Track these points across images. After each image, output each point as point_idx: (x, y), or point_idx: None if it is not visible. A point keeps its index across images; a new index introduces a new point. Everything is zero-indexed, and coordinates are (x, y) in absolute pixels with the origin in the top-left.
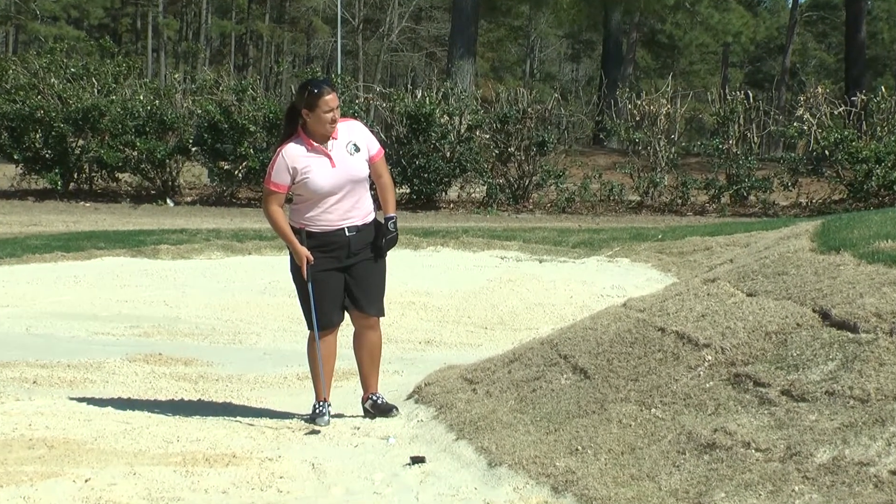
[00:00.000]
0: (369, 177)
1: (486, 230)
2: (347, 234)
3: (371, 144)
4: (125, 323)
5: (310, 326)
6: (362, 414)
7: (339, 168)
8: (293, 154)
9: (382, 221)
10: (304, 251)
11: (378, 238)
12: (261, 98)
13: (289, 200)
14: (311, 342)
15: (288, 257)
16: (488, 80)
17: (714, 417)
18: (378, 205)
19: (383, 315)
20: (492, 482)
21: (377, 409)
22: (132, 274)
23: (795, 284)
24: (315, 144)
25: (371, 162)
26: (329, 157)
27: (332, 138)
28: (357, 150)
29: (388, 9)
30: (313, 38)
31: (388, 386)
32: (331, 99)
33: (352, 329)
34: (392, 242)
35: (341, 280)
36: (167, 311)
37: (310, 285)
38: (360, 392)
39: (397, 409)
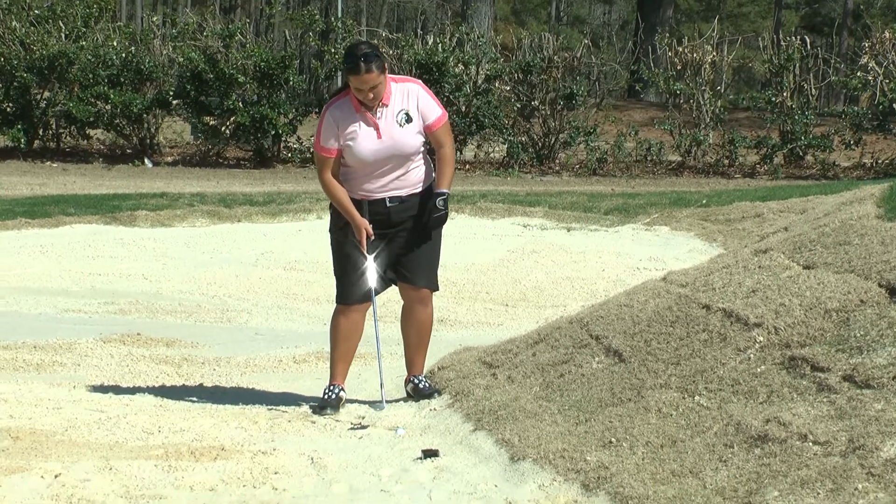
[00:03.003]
0: (427, 144)
1: (506, 194)
2: (388, 204)
3: (428, 112)
4: (99, 299)
5: (340, 301)
6: (404, 396)
7: (385, 140)
8: (340, 114)
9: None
10: (365, 223)
11: (424, 213)
12: (250, 44)
13: None
14: (335, 316)
15: (329, 220)
16: (509, 25)
17: (766, 406)
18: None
19: (435, 288)
20: (514, 479)
21: (418, 393)
22: (106, 243)
23: (859, 256)
24: (362, 108)
25: (428, 131)
26: (376, 126)
27: (383, 104)
28: (409, 119)
29: None
30: None
31: (397, 370)
32: (365, 79)
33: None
34: (440, 221)
35: (381, 254)
36: (146, 285)
37: (370, 259)
38: (364, 376)
39: (440, 393)
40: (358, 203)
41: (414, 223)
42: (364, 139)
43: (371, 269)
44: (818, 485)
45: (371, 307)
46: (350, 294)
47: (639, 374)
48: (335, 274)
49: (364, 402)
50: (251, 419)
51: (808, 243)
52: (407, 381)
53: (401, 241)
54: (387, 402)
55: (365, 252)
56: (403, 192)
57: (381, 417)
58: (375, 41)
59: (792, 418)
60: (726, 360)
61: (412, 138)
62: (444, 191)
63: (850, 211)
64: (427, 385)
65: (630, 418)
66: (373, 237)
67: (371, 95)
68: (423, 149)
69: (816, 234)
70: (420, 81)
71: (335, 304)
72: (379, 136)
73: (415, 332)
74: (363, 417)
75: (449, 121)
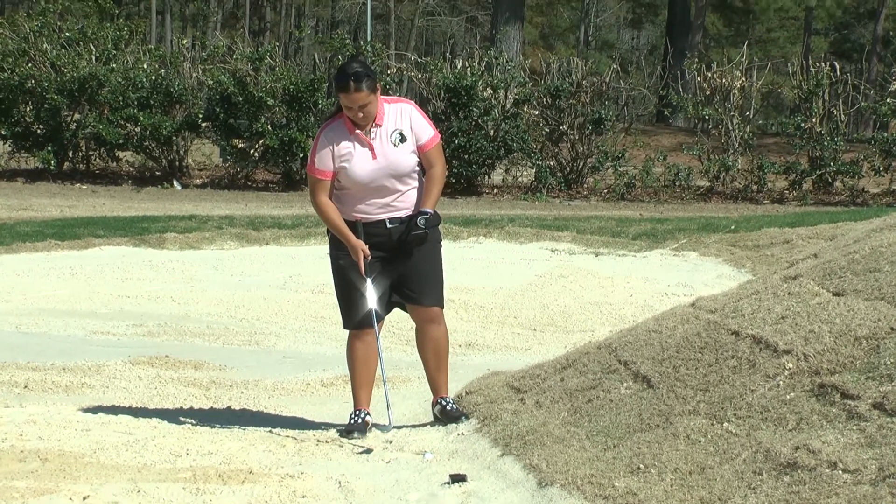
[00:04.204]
0: (420, 165)
1: (534, 219)
2: (389, 226)
3: (421, 132)
4: (127, 321)
5: (346, 326)
6: (431, 420)
7: (379, 160)
8: (333, 136)
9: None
10: (361, 244)
11: (405, 232)
12: (280, 67)
13: None
14: (350, 342)
15: (328, 246)
16: (537, 49)
17: (795, 433)
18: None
19: (442, 305)
20: None
21: (446, 415)
22: (135, 266)
23: (889, 283)
24: (356, 130)
25: (421, 151)
26: (371, 147)
27: (376, 125)
28: (402, 139)
29: None
30: None
31: (424, 395)
32: (354, 97)
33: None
34: (419, 240)
35: (381, 276)
36: (174, 307)
37: (368, 281)
38: (391, 399)
39: (467, 416)
40: (352, 225)
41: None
42: (359, 160)
43: (370, 291)
44: None
45: (383, 325)
46: (357, 318)
47: (667, 401)
48: (338, 299)
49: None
50: (279, 443)
51: (837, 270)
52: (434, 404)
53: (401, 262)
54: (415, 425)
55: (363, 273)
56: (402, 213)
57: (408, 442)
58: (404, 65)
59: (821, 446)
60: (755, 387)
61: (406, 158)
62: (427, 210)
63: (880, 238)
64: (455, 407)
65: (658, 444)
66: (370, 258)
67: (361, 115)
68: (417, 169)
69: (846, 260)
70: (413, 102)
71: (348, 331)
72: (374, 157)
73: (432, 353)
74: (390, 441)
75: (441, 143)
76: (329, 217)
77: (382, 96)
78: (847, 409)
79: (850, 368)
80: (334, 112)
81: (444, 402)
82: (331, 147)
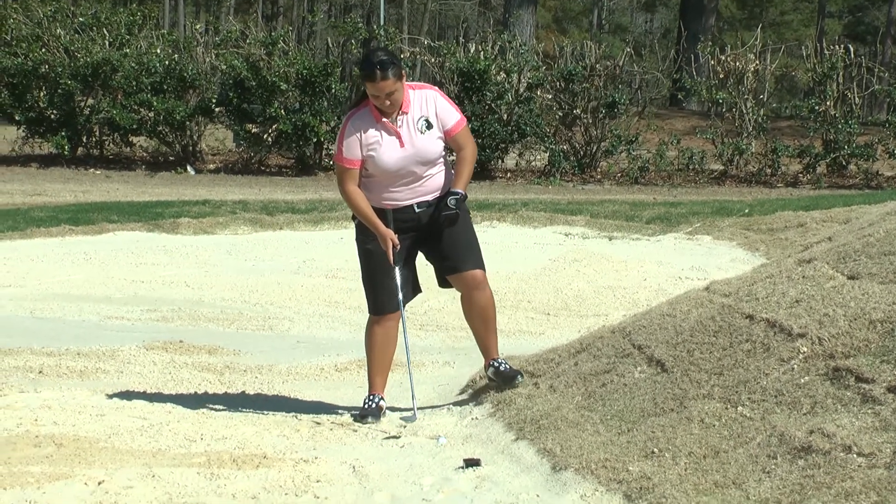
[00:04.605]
0: (443, 150)
1: (548, 203)
2: (417, 210)
3: (446, 118)
4: (141, 306)
5: (370, 311)
6: (486, 380)
7: (407, 148)
8: (361, 124)
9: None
10: (390, 233)
11: (436, 213)
12: (293, 52)
13: None
14: (369, 327)
15: (354, 231)
16: (550, 33)
17: (810, 417)
18: None
19: (483, 268)
20: (556, 488)
21: (500, 377)
22: (149, 251)
23: None
24: (383, 119)
25: (448, 136)
26: (398, 135)
27: (403, 112)
28: (429, 126)
29: None
30: None
31: (439, 379)
32: (381, 86)
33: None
34: (451, 220)
35: (408, 260)
36: (188, 292)
37: (396, 269)
38: (406, 385)
39: (522, 375)
40: (381, 212)
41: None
42: (387, 148)
43: (398, 279)
44: (862, 497)
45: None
46: (382, 305)
47: (681, 385)
48: (364, 285)
49: (407, 410)
50: (293, 427)
51: (852, 253)
52: (487, 366)
53: (434, 238)
54: (429, 408)
55: (392, 261)
56: (430, 197)
57: (422, 426)
58: (417, 49)
59: (836, 430)
60: (770, 371)
61: (434, 144)
62: (459, 191)
63: (895, 221)
64: (508, 367)
65: (673, 429)
66: (398, 247)
67: (388, 102)
68: (444, 153)
69: (861, 244)
70: (437, 88)
71: (368, 315)
72: (402, 145)
73: (480, 318)
74: (405, 426)
75: (469, 126)
76: (358, 206)
77: (407, 83)
78: (861, 392)
79: (864, 352)
80: (359, 100)
81: (496, 364)
82: (358, 136)
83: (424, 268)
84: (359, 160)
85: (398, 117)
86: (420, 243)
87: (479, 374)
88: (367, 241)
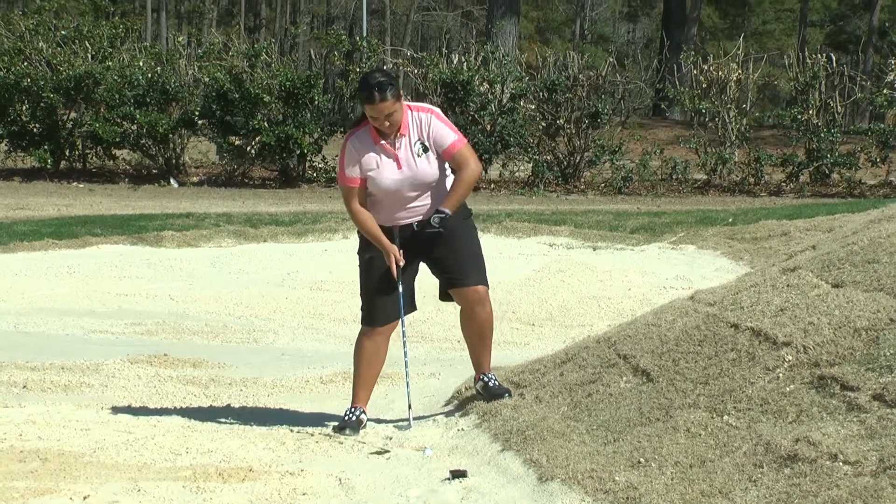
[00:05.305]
0: (445, 170)
1: (532, 213)
2: (416, 228)
3: (441, 140)
4: (126, 319)
5: (363, 322)
6: (474, 393)
7: (405, 170)
8: (360, 145)
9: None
10: (394, 249)
11: (421, 229)
12: (276, 64)
13: None
14: (359, 339)
15: (358, 243)
16: (533, 43)
17: (795, 426)
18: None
19: (486, 284)
20: (542, 499)
21: (488, 392)
22: (133, 264)
23: (888, 274)
24: (381, 141)
25: (446, 157)
26: (396, 157)
27: (401, 134)
28: (425, 150)
29: None
30: None
31: (424, 390)
32: (380, 108)
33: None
34: (432, 238)
35: (408, 277)
36: (173, 305)
37: (400, 285)
38: (391, 396)
39: (510, 393)
40: (388, 230)
41: (447, 231)
42: (385, 170)
43: (400, 296)
44: None
45: (396, 327)
46: (376, 317)
47: (667, 394)
48: (362, 297)
49: (391, 422)
50: (279, 440)
51: (836, 261)
52: (476, 380)
53: (438, 251)
54: (414, 419)
55: (395, 276)
56: (429, 216)
57: (408, 438)
58: (400, 60)
59: (822, 438)
60: (755, 380)
61: (431, 167)
62: (445, 210)
63: (878, 229)
64: (497, 384)
65: (659, 438)
66: (402, 263)
67: (387, 123)
68: (446, 174)
69: (845, 252)
70: (436, 109)
71: (361, 326)
72: (399, 167)
73: (476, 333)
74: (390, 438)
75: (469, 144)
76: (363, 223)
77: (406, 103)
78: (847, 400)
79: (849, 360)
80: (358, 120)
81: (486, 379)
82: (357, 156)
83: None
84: (359, 179)
85: (396, 139)
86: (424, 258)
87: (465, 385)
88: (367, 252)
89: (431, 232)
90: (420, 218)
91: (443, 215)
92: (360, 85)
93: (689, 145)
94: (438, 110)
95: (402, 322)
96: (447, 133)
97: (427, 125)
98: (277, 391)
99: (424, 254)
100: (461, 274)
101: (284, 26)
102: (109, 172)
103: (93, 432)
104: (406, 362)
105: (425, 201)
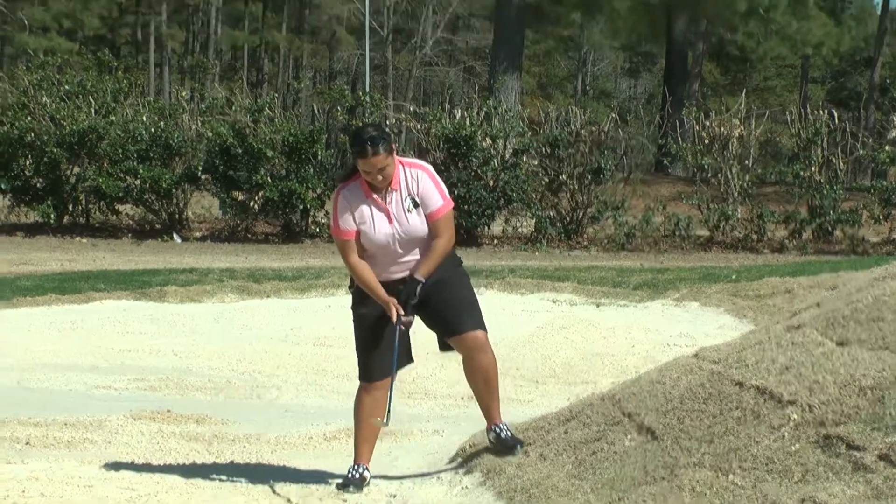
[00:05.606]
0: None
1: (535, 269)
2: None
3: (429, 200)
4: (129, 375)
5: (361, 378)
6: (487, 444)
7: (395, 225)
8: (351, 197)
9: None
10: (392, 300)
11: (446, 271)
12: (279, 119)
13: None
14: (358, 394)
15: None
16: (535, 98)
17: (801, 485)
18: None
19: (484, 329)
20: None
21: (500, 443)
22: (136, 319)
23: (894, 332)
24: (372, 194)
25: (429, 220)
26: (387, 211)
27: (393, 189)
28: (415, 206)
29: (420, 17)
30: (336, 50)
31: (427, 447)
32: (372, 162)
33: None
34: (405, 307)
35: (395, 331)
36: (176, 361)
37: (397, 338)
38: (395, 454)
39: (522, 444)
40: (385, 285)
41: (438, 282)
42: (375, 224)
43: (396, 352)
44: None
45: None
46: (373, 372)
47: (672, 452)
48: (357, 352)
49: (395, 479)
50: (282, 497)
51: (841, 319)
52: (489, 430)
53: (432, 301)
54: (419, 477)
55: (394, 321)
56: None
57: (412, 496)
58: (403, 115)
59: (828, 498)
60: (760, 438)
61: (422, 223)
62: (419, 279)
63: (882, 287)
64: (510, 435)
65: (664, 497)
66: (402, 313)
67: (380, 178)
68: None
69: (849, 310)
70: (428, 167)
71: (359, 382)
72: (390, 222)
73: (482, 381)
74: (394, 496)
75: (452, 211)
76: (361, 274)
77: (400, 158)
78: (853, 460)
79: (855, 419)
80: (349, 173)
81: (498, 430)
82: (349, 209)
83: (413, 336)
84: (353, 231)
85: (387, 194)
86: (418, 311)
87: (469, 442)
88: (360, 307)
89: (404, 303)
90: (409, 274)
91: (418, 284)
92: (353, 139)
93: (692, 201)
94: (431, 168)
95: (394, 369)
96: (435, 196)
97: (416, 182)
98: (281, 448)
99: (419, 306)
100: (457, 321)
101: (287, 81)
102: (113, 227)
103: (96, 489)
104: (395, 365)
105: (416, 256)
